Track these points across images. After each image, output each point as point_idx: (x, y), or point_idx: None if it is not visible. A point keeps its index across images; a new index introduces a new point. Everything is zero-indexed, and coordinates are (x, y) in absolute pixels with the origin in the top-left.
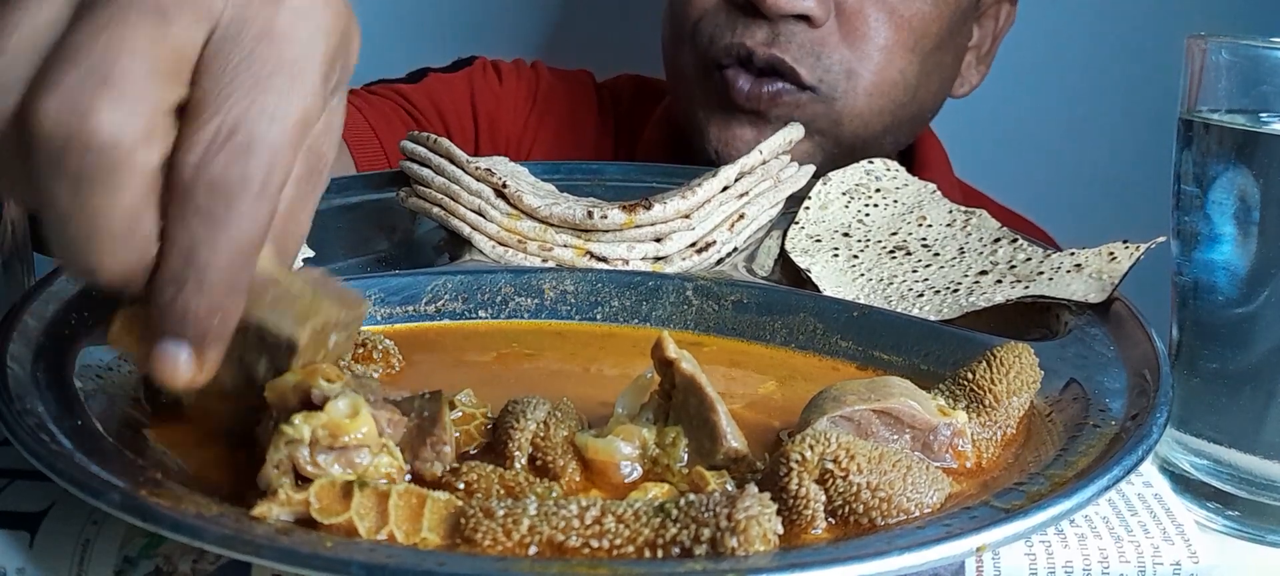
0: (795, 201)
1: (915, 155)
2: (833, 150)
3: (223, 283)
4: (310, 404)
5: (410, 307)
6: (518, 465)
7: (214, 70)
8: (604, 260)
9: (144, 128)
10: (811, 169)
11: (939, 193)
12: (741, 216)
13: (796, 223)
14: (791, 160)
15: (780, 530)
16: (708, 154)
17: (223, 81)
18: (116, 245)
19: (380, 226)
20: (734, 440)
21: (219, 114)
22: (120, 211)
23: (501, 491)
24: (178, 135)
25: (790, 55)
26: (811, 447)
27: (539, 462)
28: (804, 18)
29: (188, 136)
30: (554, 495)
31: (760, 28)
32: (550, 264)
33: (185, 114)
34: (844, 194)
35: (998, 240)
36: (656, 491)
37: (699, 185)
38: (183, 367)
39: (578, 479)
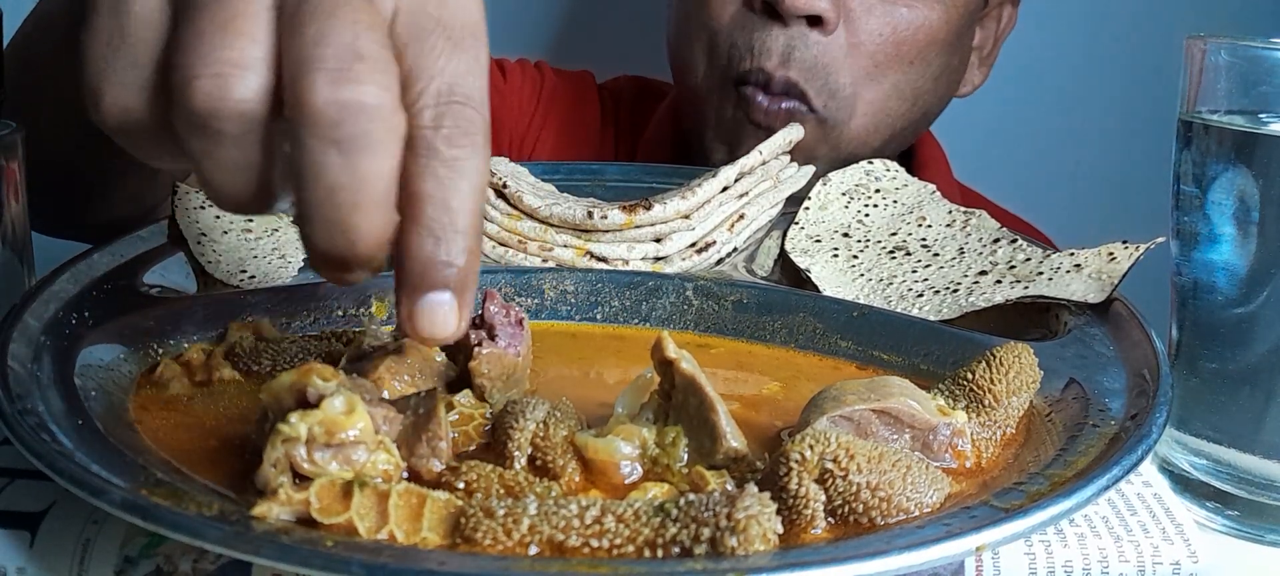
0: (795, 202)
1: (914, 157)
2: (831, 157)
3: (473, 225)
4: (306, 403)
5: None
6: (517, 465)
7: (416, 38)
8: (604, 260)
9: (396, 94)
10: (811, 169)
11: (939, 193)
12: (741, 217)
13: (796, 223)
14: (791, 160)
15: (780, 529)
16: (715, 158)
17: (427, 47)
18: (379, 209)
19: None
20: (734, 440)
21: (437, 76)
22: (386, 174)
23: (501, 491)
24: (407, 98)
25: (802, 77)
26: (811, 447)
27: (539, 462)
28: (816, 21)
29: (417, 99)
30: (554, 495)
31: (777, 38)
32: (550, 264)
33: (404, 80)
34: (844, 194)
35: (997, 241)
36: (656, 491)
37: (699, 185)
38: (451, 315)
39: (578, 479)
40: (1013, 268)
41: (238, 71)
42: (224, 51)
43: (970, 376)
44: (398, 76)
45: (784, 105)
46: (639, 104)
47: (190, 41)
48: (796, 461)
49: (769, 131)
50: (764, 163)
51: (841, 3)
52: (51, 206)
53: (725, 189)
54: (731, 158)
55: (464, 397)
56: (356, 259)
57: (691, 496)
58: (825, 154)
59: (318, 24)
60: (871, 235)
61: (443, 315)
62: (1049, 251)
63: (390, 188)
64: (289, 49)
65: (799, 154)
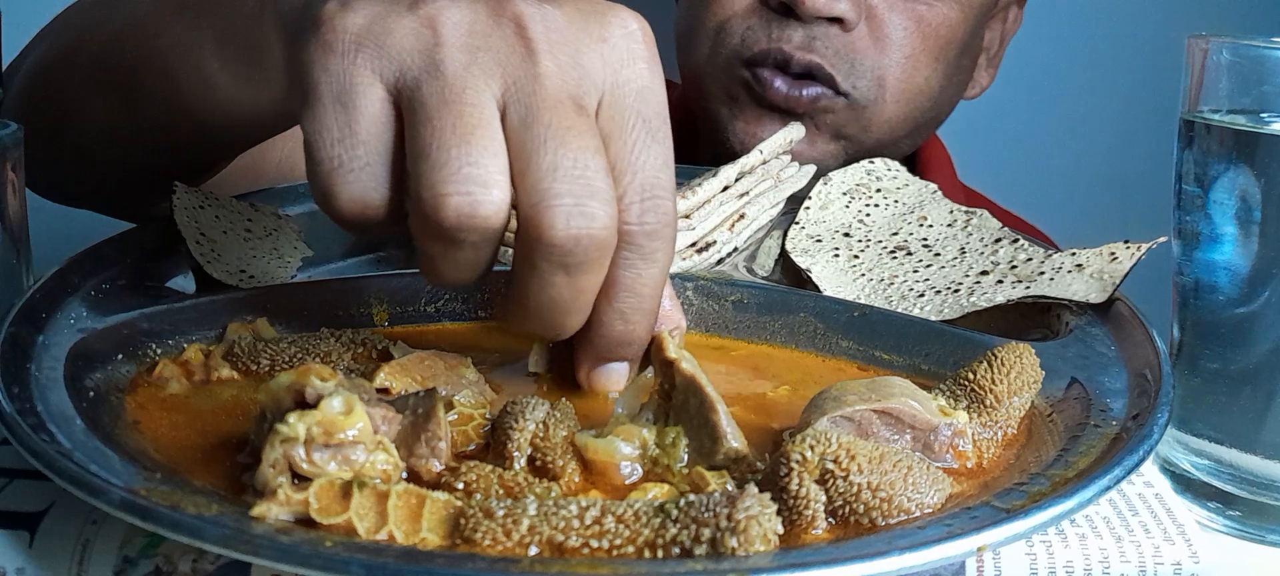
0: (796, 201)
1: (919, 158)
2: (855, 154)
3: (654, 307)
4: (304, 403)
5: (410, 308)
6: (517, 465)
7: (619, 132)
8: None
9: (616, 215)
10: (811, 169)
11: (940, 193)
12: (742, 216)
13: (797, 223)
14: (792, 160)
15: (780, 530)
16: (731, 149)
17: (630, 142)
18: (586, 311)
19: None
20: (734, 440)
21: (639, 172)
22: (598, 285)
23: (501, 491)
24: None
25: (827, 61)
26: (812, 447)
27: (538, 463)
28: (836, 21)
29: (623, 195)
30: (553, 495)
31: (795, 31)
32: None
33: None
34: (845, 194)
35: (999, 240)
36: (656, 491)
37: (699, 185)
38: (623, 379)
39: (577, 479)
40: (1014, 267)
41: (485, 190)
42: (470, 169)
43: (971, 376)
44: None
45: (807, 92)
46: None
47: (435, 153)
48: (797, 462)
49: (790, 116)
50: (764, 162)
51: (862, 2)
52: (84, 194)
53: (725, 189)
54: (750, 144)
55: (464, 397)
56: (558, 337)
57: (692, 497)
58: (855, 134)
59: (552, 153)
60: (872, 235)
61: (617, 379)
62: (1050, 251)
63: (597, 293)
64: (526, 176)
65: (826, 131)
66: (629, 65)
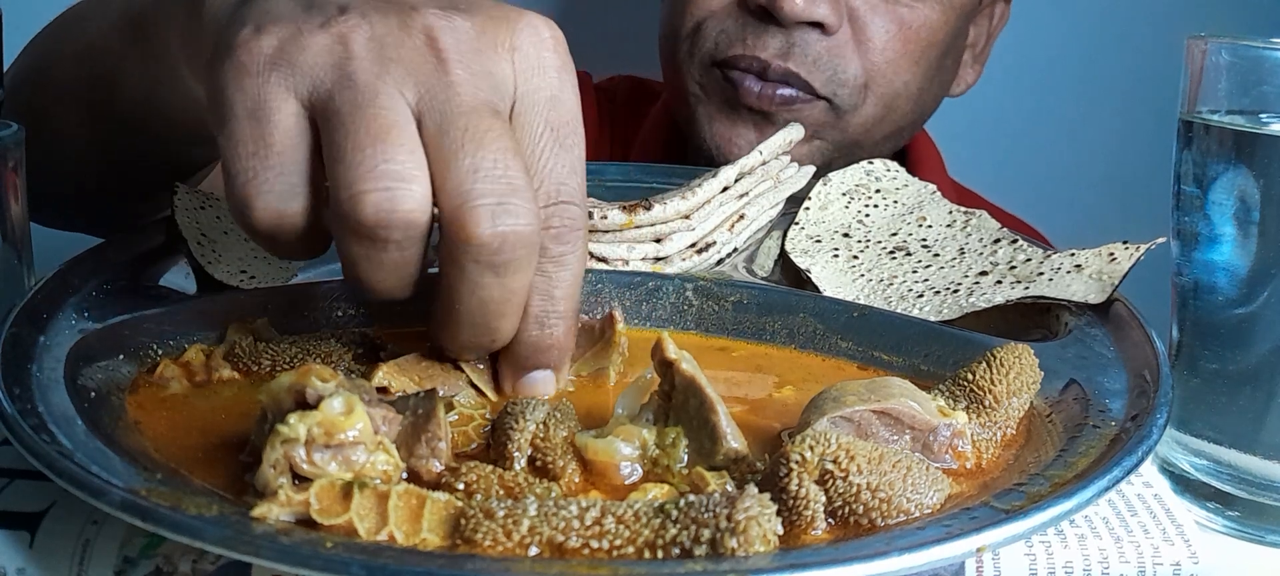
0: (795, 202)
1: (909, 156)
2: (833, 154)
3: (572, 310)
4: (305, 403)
5: (411, 308)
6: (517, 466)
7: (529, 139)
8: (604, 260)
9: (536, 215)
10: (811, 169)
11: (939, 193)
12: (741, 217)
13: (796, 223)
14: (791, 160)
15: (780, 530)
16: (706, 151)
17: (539, 149)
18: (518, 313)
19: None
20: (734, 440)
21: (546, 179)
22: (528, 286)
23: (501, 492)
24: None
25: (804, 69)
26: (811, 448)
27: (538, 463)
28: (817, 25)
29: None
30: (554, 496)
31: (774, 37)
32: None
33: None
34: (844, 194)
35: (998, 241)
36: (656, 492)
37: (699, 186)
38: (549, 386)
39: (578, 480)
40: (1013, 268)
41: (404, 184)
42: (387, 165)
43: (971, 377)
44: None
45: (781, 92)
46: (634, 104)
47: (350, 154)
48: (797, 462)
49: (763, 116)
50: (764, 163)
51: (843, 7)
52: (60, 207)
53: (725, 189)
54: (725, 148)
55: (464, 398)
56: (491, 347)
57: (692, 497)
58: (832, 135)
59: (470, 155)
60: (872, 235)
61: (542, 387)
62: (1049, 252)
63: (527, 294)
64: (447, 177)
65: (804, 132)
66: (538, 73)
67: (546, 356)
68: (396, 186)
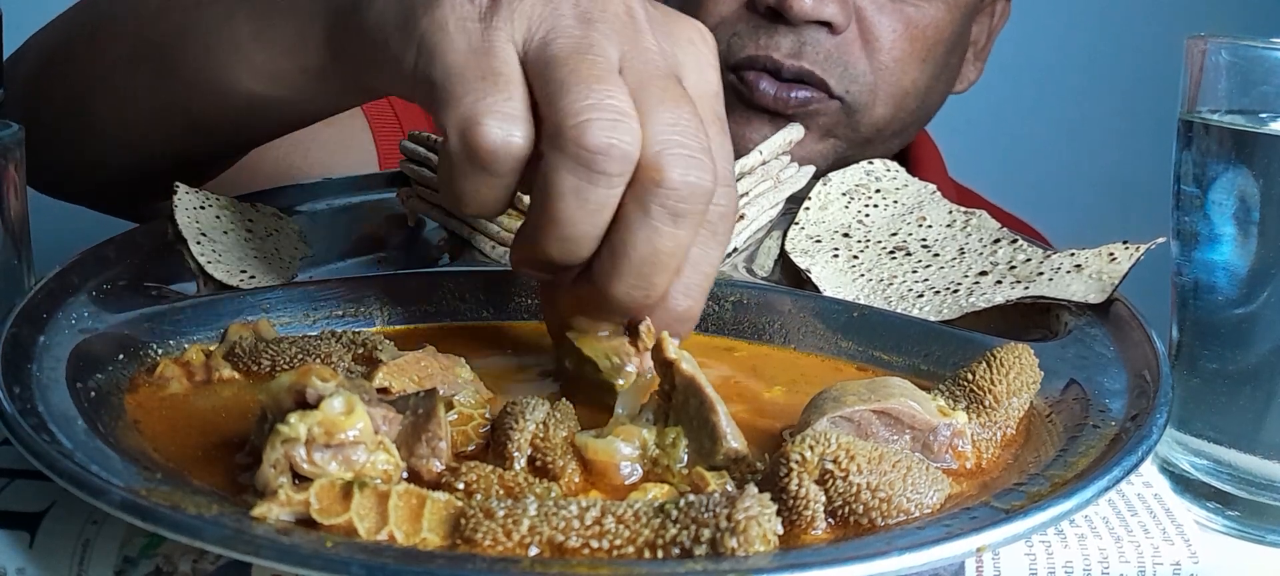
0: (795, 202)
1: (910, 155)
2: (847, 153)
3: (709, 288)
4: (305, 403)
5: (411, 308)
6: (517, 466)
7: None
8: None
9: (715, 181)
10: (811, 169)
11: (939, 193)
12: (741, 217)
13: (796, 223)
14: (792, 160)
15: (780, 530)
16: None
17: (710, 132)
18: (675, 269)
19: (380, 227)
20: (734, 440)
21: (718, 161)
22: (688, 244)
23: (501, 492)
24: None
25: (818, 66)
26: (811, 448)
27: (538, 463)
28: (825, 24)
29: None
30: (554, 496)
31: (785, 37)
32: None
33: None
34: (844, 194)
35: (998, 241)
36: (656, 492)
37: None
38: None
39: (577, 480)
40: (1013, 268)
41: (627, 120)
42: (612, 101)
43: (970, 377)
44: None
45: (797, 94)
46: None
47: (574, 87)
48: (797, 462)
49: (779, 118)
50: (764, 163)
51: (851, 6)
52: (96, 183)
53: None
54: (739, 146)
55: (464, 397)
56: (644, 305)
57: (692, 497)
58: (845, 133)
59: (671, 110)
60: (872, 235)
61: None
62: (1049, 252)
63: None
64: (646, 127)
65: (816, 131)
66: (709, 68)
67: (683, 326)
68: (621, 120)
